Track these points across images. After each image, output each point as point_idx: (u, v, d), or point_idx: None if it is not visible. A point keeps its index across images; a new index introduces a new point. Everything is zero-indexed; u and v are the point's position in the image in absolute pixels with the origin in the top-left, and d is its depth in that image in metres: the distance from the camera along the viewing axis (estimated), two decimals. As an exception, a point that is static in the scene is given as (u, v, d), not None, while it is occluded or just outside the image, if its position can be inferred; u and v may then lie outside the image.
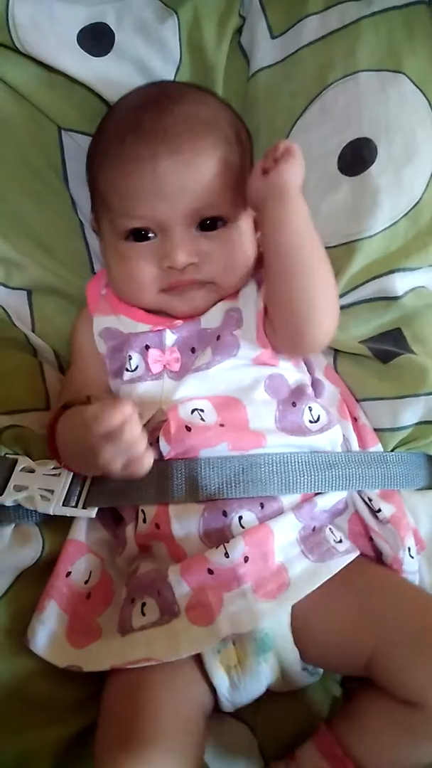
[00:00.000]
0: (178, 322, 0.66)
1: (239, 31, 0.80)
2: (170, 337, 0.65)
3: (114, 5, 0.77)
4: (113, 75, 0.76)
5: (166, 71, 0.77)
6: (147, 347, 0.65)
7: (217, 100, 0.71)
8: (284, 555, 0.58)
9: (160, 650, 0.55)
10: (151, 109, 0.64)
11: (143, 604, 0.58)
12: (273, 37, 0.78)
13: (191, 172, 0.62)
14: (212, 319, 0.66)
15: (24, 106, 0.76)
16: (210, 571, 0.56)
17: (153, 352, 0.65)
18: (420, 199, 0.71)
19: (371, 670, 0.55)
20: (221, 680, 0.57)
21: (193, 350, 0.65)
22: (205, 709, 0.58)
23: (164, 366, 0.64)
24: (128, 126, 0.64)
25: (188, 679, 0.57)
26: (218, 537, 0.58)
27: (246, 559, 0.56)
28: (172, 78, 0.77)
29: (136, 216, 0.63)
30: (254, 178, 0.62)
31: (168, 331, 0.65)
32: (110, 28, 0.77)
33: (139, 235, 0.64)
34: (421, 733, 0.53)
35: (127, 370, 0.65)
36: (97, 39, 0.76)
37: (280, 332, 0.64)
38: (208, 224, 0.64)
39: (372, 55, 0.74)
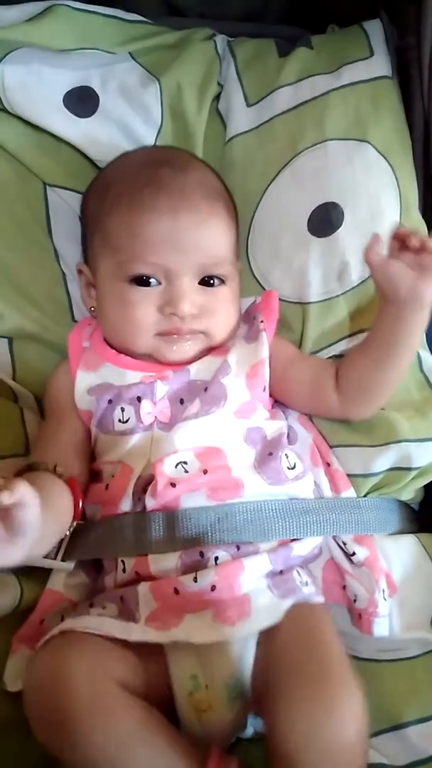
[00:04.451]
0: (169, 373, 0.67)
1: (217, 97, 0.85)
2: (161, 389, 0.66)
3: (99, 70, 0.82)
4: (97, 135, 0.79)
5: (147, 134, 0.81)
6: (139, 399, 0.66)
7: (215, 172, 0.76)
8: (251, 586, 0.58)
9: (111, 628, 0.54)
10: (168, 167, 0.69)
11: (103, 607, 0.58)
12: (248, 106, 0.83)
13: (206, 230, 0.67)
14: (201, 371, 0.68)
15: (11, 163, 0.79)
16: (176, 591, 0.57)
17: (145, 404, 0.66)
18: (385, 259, 0.76)
19: (261, 709, 0.55)
20: (188, 719, 0.56)
21: (182, 401, 0.66)
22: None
23: (155, 417, 0.66)
24: (145, 179, 0.68)
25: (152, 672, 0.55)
26: (193, 569, 0.59)
27: (213, 588, 0.57)
28: (153, 140, 0.81)
29: (148, 262, 0.66)
30: (397, 263, 0.61)
31: (159, 382, 0.67)
32: (95, 92, 0.80)
33: (141, 280, 0.67)
34: None
35: (120, 421, 0.66)
36: (82, 101, 0.80)
37: (348, 400, 0.68)
38: (207, 281, 0.68)
39: (339, 125, 0.79)
